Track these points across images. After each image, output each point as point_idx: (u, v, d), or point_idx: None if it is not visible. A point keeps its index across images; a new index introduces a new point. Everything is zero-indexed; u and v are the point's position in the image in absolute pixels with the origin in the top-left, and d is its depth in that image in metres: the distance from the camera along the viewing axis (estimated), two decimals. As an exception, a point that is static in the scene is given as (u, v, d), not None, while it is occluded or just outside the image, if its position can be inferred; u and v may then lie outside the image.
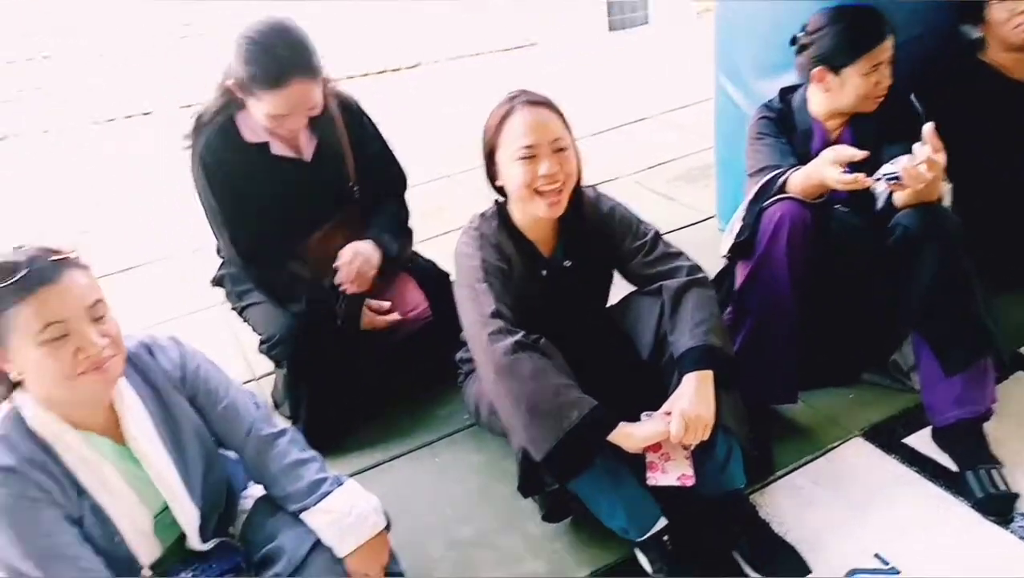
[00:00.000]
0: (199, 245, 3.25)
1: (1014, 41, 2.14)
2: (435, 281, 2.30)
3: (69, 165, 4.97)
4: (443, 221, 3.37)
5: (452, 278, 1.88)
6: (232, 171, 2.00)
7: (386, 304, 2.20)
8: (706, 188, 3.40)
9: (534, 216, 1.79)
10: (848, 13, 1.95)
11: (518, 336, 1.63)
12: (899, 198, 1.86)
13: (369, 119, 2.23)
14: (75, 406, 1.30)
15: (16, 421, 1.28)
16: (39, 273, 1.19)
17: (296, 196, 2.07)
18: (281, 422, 1.57)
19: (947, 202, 1.94)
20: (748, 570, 1.67)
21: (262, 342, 2.12)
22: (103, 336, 1.24)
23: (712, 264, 2.03)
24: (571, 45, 6.52)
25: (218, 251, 2.26)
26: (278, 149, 2.05)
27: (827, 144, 1.98)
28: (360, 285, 2.10)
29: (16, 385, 1.28)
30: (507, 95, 1.76)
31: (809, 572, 1.65)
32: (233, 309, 2.26)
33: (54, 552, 1.23)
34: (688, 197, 3.48)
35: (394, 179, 2.30)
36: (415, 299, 2.27)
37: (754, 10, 2.52)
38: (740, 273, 2.04)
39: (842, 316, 2.02)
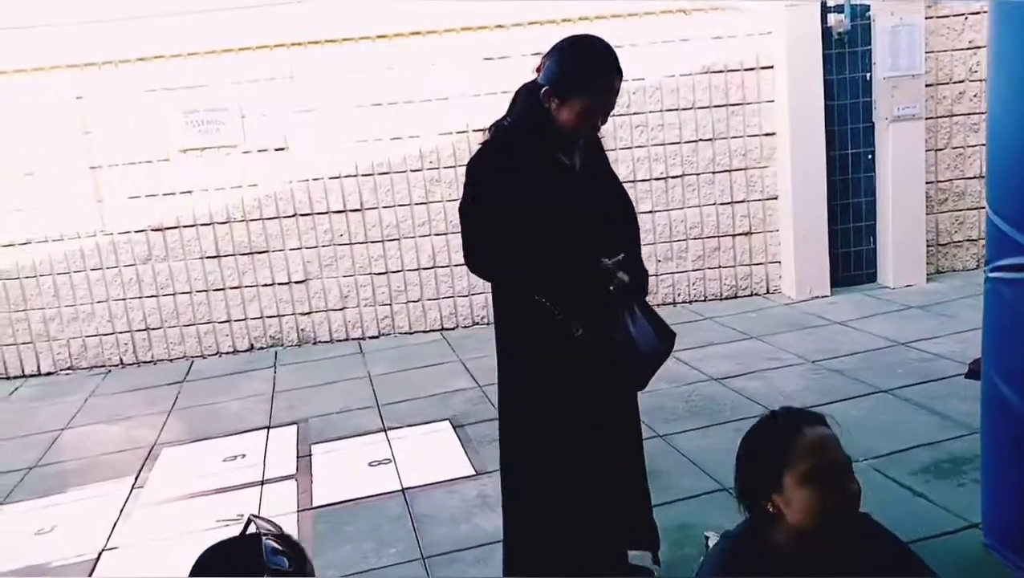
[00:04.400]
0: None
1: None
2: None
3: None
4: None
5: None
6: (528, 177, 2.12)
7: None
8: (959, 487, 2.83)
9: None
10: None
11: None
12: None
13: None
14: None
15: None
16: None
17: (569, 201, 2.16)
18: None
19: None
20: None
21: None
22: None
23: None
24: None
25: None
26: (562, 157, 2.19)
27: None
28: None
29: None
30: None
31: None
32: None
33: None
34: (942, 496, 2.84)
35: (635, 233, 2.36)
36: None
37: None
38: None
39: None
